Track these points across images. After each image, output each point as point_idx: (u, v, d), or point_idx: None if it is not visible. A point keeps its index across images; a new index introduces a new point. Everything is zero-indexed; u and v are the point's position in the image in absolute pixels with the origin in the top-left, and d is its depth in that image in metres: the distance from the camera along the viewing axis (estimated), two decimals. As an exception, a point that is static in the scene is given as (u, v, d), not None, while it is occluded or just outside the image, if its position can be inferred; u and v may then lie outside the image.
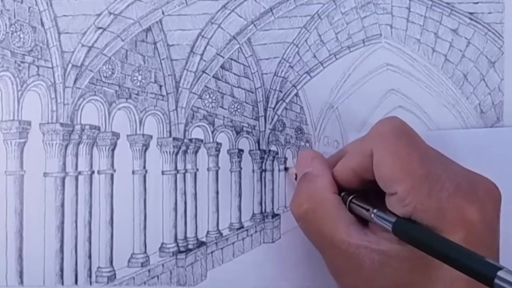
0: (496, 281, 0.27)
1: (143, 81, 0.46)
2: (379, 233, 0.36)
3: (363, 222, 0.37)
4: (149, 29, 0.46)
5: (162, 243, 0.46)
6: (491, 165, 0.38)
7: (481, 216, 0.33)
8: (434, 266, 0.33)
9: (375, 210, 0.36)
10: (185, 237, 0.46)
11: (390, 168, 0.35)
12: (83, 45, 0.45)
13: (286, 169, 0.46)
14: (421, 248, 0.32)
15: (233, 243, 0.46)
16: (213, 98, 0.47)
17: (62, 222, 0.44)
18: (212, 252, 0.46)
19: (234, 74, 0.47)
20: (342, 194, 0.39)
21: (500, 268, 0.27)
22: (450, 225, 0.33)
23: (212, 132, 0.47)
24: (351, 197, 0.38)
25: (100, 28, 0.46)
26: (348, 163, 0.38)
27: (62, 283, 0.44)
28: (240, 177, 0.47)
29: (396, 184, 0.34)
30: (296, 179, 0.43)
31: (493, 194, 0.35)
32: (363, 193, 0.38)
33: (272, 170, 0.47)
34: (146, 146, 0.46)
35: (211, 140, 0.47)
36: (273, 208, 0.47)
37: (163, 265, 0.45)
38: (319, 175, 0.39)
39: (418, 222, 0.33)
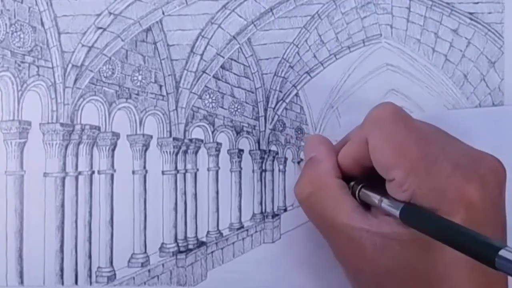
0: (498, 260, 0.25)
1: (143, 81, 0.46)
2: (381, 217, 0.35)
3: (365, 206, 0.37)
4: (149, 29, 0.46)
5: (162, 243, 0.46)
6: (499, 144, 0.38)
7: (482, 194, 0.33)
8: (436, 248, 0.32)
9: (382, 198, 0.35)
10: (185, 237, 0.46)
11: (385, 154, 0.35)
12: (83, 45, 0.45)
13: (299, 162, 0.46)
14: (425, 232, 0.32)
15: (233, 243, 0.46)
16: (213, 98, 0.47)
17: (62, 222, 0.44)
18: (212, 252, 0.46)
19: (234, 74, 0.47)
20: (352, 183, 0.38)
21: (501, 247, 0.26)
22: (450, 206, 0.32)
23: (212, 132, 0.47)
24: (361, 185, 0.38)
25: (100, 28, 0.46)
26: (348, 152, 0.38)
27: (62, 283, 0.44)
28: (240, 177, 0.47)
29: (393, 170, 0.34)
30: None
31: (496, 171, 0.34)
32: (370, 179, 0.38)
33: (272, 170, 0.47)
34: (146, 146, 0.46)
35: (211, 140, 0.47)
36: (273, 208, 0.47)
37: (163, 265, 0.45)
38: (323, 160, 0.39)
39: (420, 205, 0.33)
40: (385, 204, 0.35)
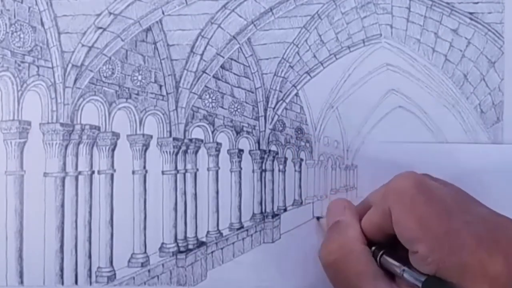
0: None
1: (143, 81, 0.46)
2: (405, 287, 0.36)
3: (390, 275, 0.37)
4: (149, 29, 0.46)
5: (162, 243, 0.46)
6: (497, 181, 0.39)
7: (505, 267, 0.33)
8: None
9: (405, 268, 0.36)
10: (185, 237, 0.46)
11: (408, 228, 0.35)
12: (83, 45, 0.45)
13: (318, 218, 0.46)
14: None
15: (233, 243, 0.46)
16: (213, 98, 0.47)
17: (62, 222, 0.44)
18: (212, 252, 0.46)
19: (234, 74, 0.47)
20: (373, 248, 0.39)
21: None
22: (473, 281, 0.33)
23: (212, 132, 0.47)
24: (382, 252, 0.38)
25: (100, 28, 0.46)
26: (371, 220, 0.39)
27: (62, 283, 0.44)
28: (240, 177, 0.47)
29: (416, 243, 0.35)
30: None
31: None
32: (392, 245, 0.38)
33: (272, 170, 0.47)
34: (146, 146, 0.46)
35: (211, 140, 0.47)
36: (273, 208, 0.47)
37: (163, 265, 0.45)
38: (350, 226, 0.40)
39: (443, 279, 0.34)
40: (408, 275, 0.36)
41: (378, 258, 0.38)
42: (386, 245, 0.38)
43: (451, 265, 0.33)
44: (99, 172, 0.45)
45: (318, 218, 0.46)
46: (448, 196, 0.37)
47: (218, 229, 0.46)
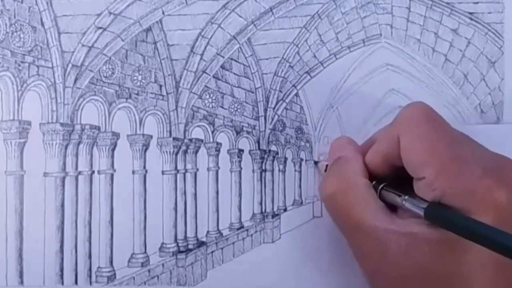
0: None
1: (143, 81, 0.46)
2: (408, 219, 0.35)
3: (392, 209, 0.37)
4: (149, 29, 0.46)
5: (162, 243, 0.46)
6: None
7: (509, 198, 0.33)
8: (464, 249, 0.33)
9: (406, 197, 0.36)
10: (185, 237, 0.46)
11: (417, 153, 0.35)
12: (83, 45, 0.45)
13: (316, 162, 0.46)
14: (454, 230, 0.32)
15: (233, 243, 0.46)
16: (213, 98, 0.47)
17: (62, 222, 0.44)
18: (212, 252, 0.46)
19: (234, 74, 0.47)
20: (374, 182, 0.38)
21: None
22: (480, 207, 0.33)
23: (212, 132, 0.47)
24: (382, 184, 0.38)
25: (100, 28, 0.45)
26: (378, 150, 0.38)
27: (62, 283, 0.44)
28: (240, 177, 0.47)
29: (424, 168, 0.34)
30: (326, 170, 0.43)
31: None
32: (393, 181, 0.38)
33: (272, 170, 0.47)
34: (146, 146, 0.46)
35: (211, 140, 0.47)
36: (273, 208, 0.47)
37: (163, 265, 0.45)
38: (352, 160, 0.40)
39: (448, 205, 0.33)
40: (409, 203, 0.35)
41: (378, 191, 0.38)
42: (388, 179, 0.38)
43: (457, 191, 0.33)
44: (99, 172, 0.45)
45: (316, 162, 0.46)
46: (458, 131, 0.37)
47: (218, 229, 0.46)
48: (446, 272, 0.34)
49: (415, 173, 0.35)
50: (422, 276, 0.34)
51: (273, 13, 0.46)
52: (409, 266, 0.35)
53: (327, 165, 0.43)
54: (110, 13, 0.46)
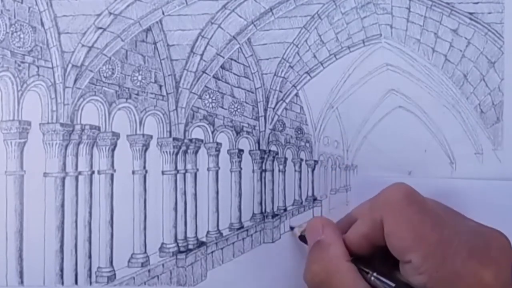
0: None
1: (143, 81, 0.46)
2: None
3: None
4: (149, 29, 0.46)
5: (162, 243, 0.46)
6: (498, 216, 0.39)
7: (496, 277, 0.33)
8: None
9: (374, 274, 0.36)
10: (185, 237, 0.46)
11: (402, 238, 0.35)
12: (83, 45, 0.45)
13: (291, 228, 0.46)
14: None
15: (233, 243, 0.46)
16: (213, 98, 0.47)
17: (62, 222, 0.44)
18: (212, 252, 0.46)
19: (234, 74, 0.47)
20: (363, 268, 0.38)
21: None
22: None
23: (212, 132, 0.47)
24: (374, 273, 0.37)
25: (100, 28, 0.46)
26: (359, 231, 0.38)
27: (62, 283, 0.44)
28: (240, 177, 0.47)
29: (410, 253, 0.35)
30: (301, 239, 0.43)
31: (506, 251, 0.35)
32: (376, 258, 0.38)
33: (272, 170, 0.47)
34: (146, 146, 0.46)
35: (211, 140, 0.47)
36: (273, 208, 0.47)
37: (163, 265, 0.45)
38: (332, 244, 0.39)
39: None
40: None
41: (370, 278, 0.37)
42: (370, 258, 0.38)
43: (443, 274, 0.34)
44: (99, 172, 0.45)
45: (292, 228, 0.46)
46: (439, 207, 0.37)
47: (218, 229, 0.46)
48: None
49: (401, 257, 0.36)
50: None
51: (273, 13, 0.46)
52: None
53: (301, 234, 0.43)
54: (110, 13, 0.46)
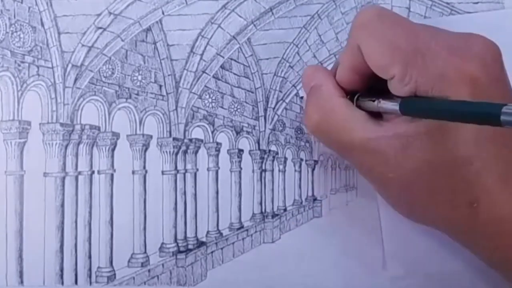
0: (503, 118, 0.26)
1: (143, 81, 0.46)
2: (393, 120, 0.35)
3: (377, 117, 0.37)
4: (149, 29, 0.46)
5: (162, 243, 0.46)
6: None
7: (482, 69, 0.33)
8: (455, 131, 0.33)
9: (380, 99, 0.36)
10: (185, 237, 0.46)
11: (380, 54, 0.35)
12: (83, 45, 0.45)
13: (301, 97, 0.46)
14: (431, 116, 0.32)
15: (233, 243, 0.46)
16: (213, 98, 0.47)
17: (62, 222, 0.44)
18: (212, 252, 0.46)
19: (234, 74, 0.47)
20: (348, 96, 0.38)
21: (504, 104, 0.26)
22: (454, 86, 0.32)
23: (212, 132, 0.47)
24: (357, 95, 0.38)
25: (100, 28, 0.46)
26: (344, 65, 0.38)
27: (62, 283, 0.44)
28: (240, 177, 0.47)
29: (391, 67, 0.34)
30: None
31: (490, 47, 0.34)
32: (371, 91, 0.38)
33: (272, 170, 0.47)
34: (146, 146, 0.46)
35: (211, 140, 0.47)
36: (273, 208, 0.47)
37: (163, 265, 0.45)
38: (324, 84, 0.39)
39: (424, 96, 0.33)
40: (384, 104, 0.35)
41: (354, 103, 0.37)
42: (365, 91, 0.38)
43: (428, 78, 0.33)
44: (99, 172, 0.45)
45: (301, 97, 0.46)
46: (414, 22, 0.37)
47: (218, 229, 0.46)
48: (445, 161, 0.33)
49: (384, 74, 0.35)
50: (425, 171, 0.34)
51: (273, 13, 0.46)
52: (409, 165, 0.34)
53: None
54: (110, 13, 0.46)
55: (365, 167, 0.37)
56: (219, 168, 0.47)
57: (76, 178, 0.45)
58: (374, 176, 0.37)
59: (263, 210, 0.47)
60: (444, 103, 0.32)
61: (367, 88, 0.38)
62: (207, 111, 0.47)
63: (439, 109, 0.32)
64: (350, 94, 0.38)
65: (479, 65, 0.33)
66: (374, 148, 0.35)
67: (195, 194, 0.46)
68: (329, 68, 0.42)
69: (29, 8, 0.45)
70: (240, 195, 0.47)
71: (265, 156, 0.47)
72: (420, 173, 0.34)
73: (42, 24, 0.45)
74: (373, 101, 0.36)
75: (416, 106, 0.34)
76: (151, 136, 0.46)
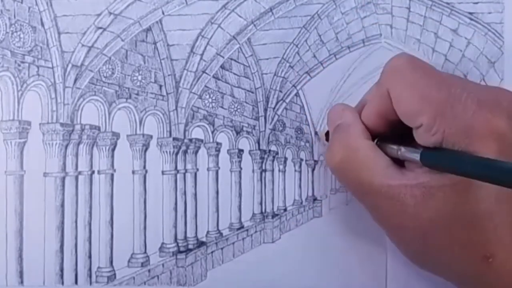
0: None
1: (143, 81, 0.46)
2: (416, 170, 0.35)
3: (400, 164, 0.37)
4: (149, 29, 0.46)
5: (162, 243, 0.46)
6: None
7: (510, 125, 0.33)
8: (477, 186, 0.33)
9: (401, 147, 0.36)
10: (185, 237, 0.46)
11: (409, 102, 0.35)
12: (83, 45, 0.45)
13: (316, 133, 0.46)
14: (450, 170, 0.32)
15: (233, 243, 0.46)
16: (213, 98, 0.47)
17: (62, 222, 0.44)
18: (212, 252, 0.46)
19: (234, 74, 0.47)
20: (375, 140, 0.38)
21: None
22: (481, 139, 0.32)
23: (212, 132, 0.47)
24: (376, 139, 0.38)
25: (100, 28, 0.46)
26: (370, 109, 0.38)
27: (62, 283, 0.44)
28: (240, 177, 0.47)
29: (419, 116, 0.34)
30: (327, 139, 0.43)
31: None
32: (395, 136, 0.38)
33: (272, 170, 0.47)
34: (146, 146, 0.46)
35: (211, 140, 0.47)
36: (273, 208, 0.47)
37: (163, 265, 0.45)
38: (351, 125, 0.39)
39: (450, 148, 0.33)
40: (405, 151, 0.35)
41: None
42: (389, 136, 0.38)
43: (456, 130, 0.33)
44: (99, 172, 0.45)
45: (316, 133, 0.46)
46: (445, 72, 0.37)
47: (218, 229, 0.46)
48: (465, 214, 0.33)
49: (412, 123, 0.35)
50: (442, 223, 0.34)
51: (273, 13, 0.46)
52: (428, 216, 0.34)
53: (327, 132, 0.43)
54: (110, 13, 0.46)
55: (381, 212, 0.37)
56: (219, 168, 0.47)
57: (76, 178, 0.45)
58: (389, 223, 0.37)
59: (263, 210, 0.47)
60: (466, 159, 0.31)
61: (390, 132, 0.38)
62: (207, 111, 0.47)
63: (460, 165, 0.31)
64: (375, 137, 0.38)
65: (507, 120, 0.33)
66: (394, 195, 0.35)
67: (195, 194, 0.46)
68: (353, 105, 0.42)
69: (29, 8, 0.45)
70: (240, 195, 0.47)
71: (265, 156, 0.47)
72: (438, 224, 0.34)
73: (42, 24, 0.45)
74: (394, 148, 0.36)
75: (437, 158, 0.33)
76: (151, 136, 0.46)
